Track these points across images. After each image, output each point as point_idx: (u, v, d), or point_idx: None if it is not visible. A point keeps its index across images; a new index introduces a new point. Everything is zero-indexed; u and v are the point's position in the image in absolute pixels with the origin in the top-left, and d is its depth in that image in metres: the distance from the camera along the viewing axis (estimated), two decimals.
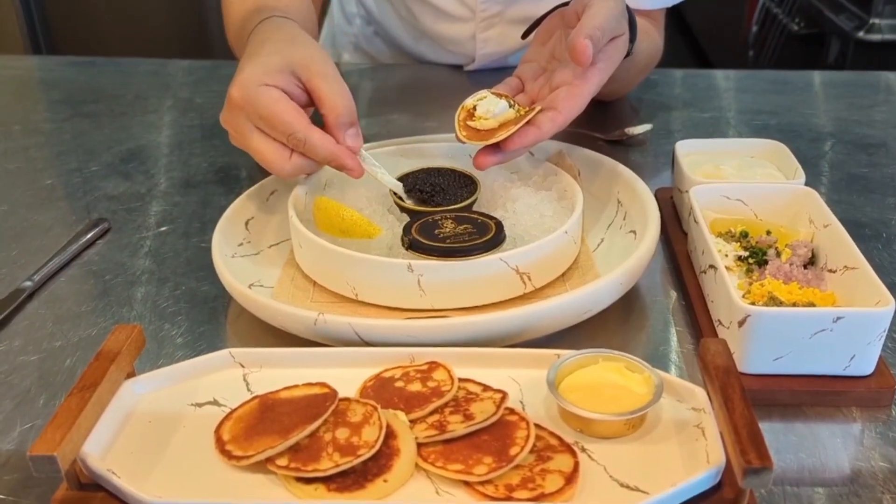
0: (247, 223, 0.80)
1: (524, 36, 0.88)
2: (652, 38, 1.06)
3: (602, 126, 1.07)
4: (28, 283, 0.77)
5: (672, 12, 1.13)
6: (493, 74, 1.25)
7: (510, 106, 0.75)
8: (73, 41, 2.49)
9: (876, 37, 2.38)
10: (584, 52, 0.70)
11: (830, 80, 1.32)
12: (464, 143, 0.74)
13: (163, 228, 0.88)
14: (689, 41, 3.87)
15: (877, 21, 2.37)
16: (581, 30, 0.71)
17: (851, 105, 1.19)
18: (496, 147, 0.73)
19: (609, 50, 0.75)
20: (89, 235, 0.85)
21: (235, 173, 1.00)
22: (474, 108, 0.76)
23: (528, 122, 0.73)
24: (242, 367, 0.62)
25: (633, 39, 0.83)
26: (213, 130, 1.12)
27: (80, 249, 0.83)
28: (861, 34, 2.39)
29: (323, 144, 0.71)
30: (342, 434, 0.54)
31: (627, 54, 0.81)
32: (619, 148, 1.04)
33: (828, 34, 2.55)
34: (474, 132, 0.74)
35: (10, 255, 0.83)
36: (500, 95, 0.77)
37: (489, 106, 0.74)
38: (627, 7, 0.82)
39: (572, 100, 0.73)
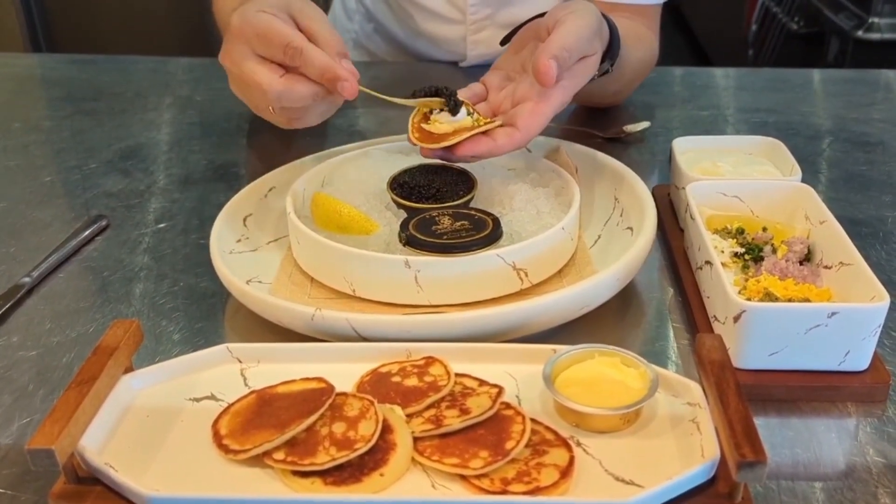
0: (245, 220, 0.81)
1: (503, 43, 0.87)
2: (646, 44, 1.05)
3: (600, 123, 1.08)
4: (26, 280, 0.77)
5: (671, 11, 1.13)
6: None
7: (468, 114, 0.74)
8: (74, 39, 2.49)
9: (875, 36, 2.38)
10: (547, 73, 0.69)
11: (829, 78, 1.32)
12: (414, 144, 0.74)
13: (161, 225, 0.88)
14: (688, 40, 3.87)
15: (876, 20, 2.38)
16: (547, 49, 0.70)
17: (850, 103, 1.19)
18: (446, 150, 0.72)
19: (576, 69, 0.74)
20: (88, 232, 0.85)
21: (234, 170, 1.00)
22: (430, 111, 0.75)
23: (483, 133, 0.72)
24: (240, 362, 0.62)
25: (613, 57, 0.82)
26: (213, 128, 1.12)
27: (78, 246, 0.84)
28: (860, 33, 2.39)
29: (318, 55, 0.70)
30: (339, 428, 0.54)
31: (606, 72, 0.80)
32: (617, 145, 1.04)
33: (827, 33, 2.56)
34: (427, 135, 0.73)
35: (8, 252, 0.83)
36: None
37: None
38: (611, 25, 0.81)
39: (532, 118, 0.72)
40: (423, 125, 0.74)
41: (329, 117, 0.78)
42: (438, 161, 0.80)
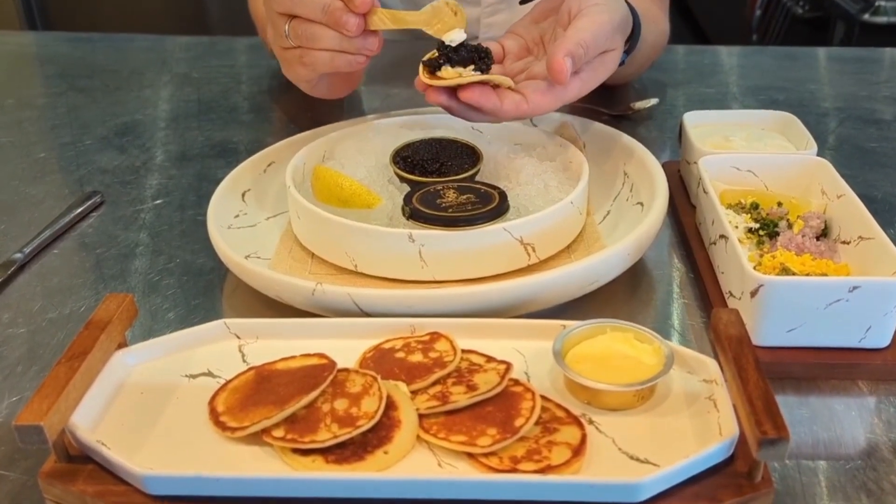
0: (243, 195, 0.78)
1: (523, 2, 0.84)
2: (658, 25, 1.02)
3: (607, 100, 1.05)
4: (18, 256, 0.75)
5: None
6: None
7: (479, 70, 0.70)
8: (69, 18, 2.46)
9: (881, 19, 2.35)
10: (561, 71, 0.66)
11: (835, 57, 1.29)
12: (423, 86, 0.70)
13: (158, 201, 0.86)
14: (690, 24, 3.83)
15: (882, 3, 2.35)
16: (563, 45, 0.67)
17: (859, 81, 1.17)
18: (451, 96, 0.69)
19: (596, 63, 0.71)
20: (82, 208, 0.83)
21: (233, 147, 0.98)
22: (440, 62, 0.70)
23: (493, 87, 0.68)
24: (238, 337, 0.60)
25: (630, 50, 0.79)
26: (211, 105, 1.10)
27: (72, 222, 0.81)
28: (866, 16, 2.36)
29: None
30: (341, 405, 0.52)
31: (622, 63, 0.78)
32: (625, 122, 1.02)
33: (833, 17, 2.52)
34: (437, 80, 0.69)
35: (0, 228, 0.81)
36: None
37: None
38: (635, 16, 0.77)
39: (543, 97, 0.68)
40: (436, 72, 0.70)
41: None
42: (443, 134, 0.78)
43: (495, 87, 0.69)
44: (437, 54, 0.70)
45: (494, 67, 0.75)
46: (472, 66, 0.68)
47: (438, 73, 0.69)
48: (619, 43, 0.74)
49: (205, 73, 1.21)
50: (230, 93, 1.13)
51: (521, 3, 0.84)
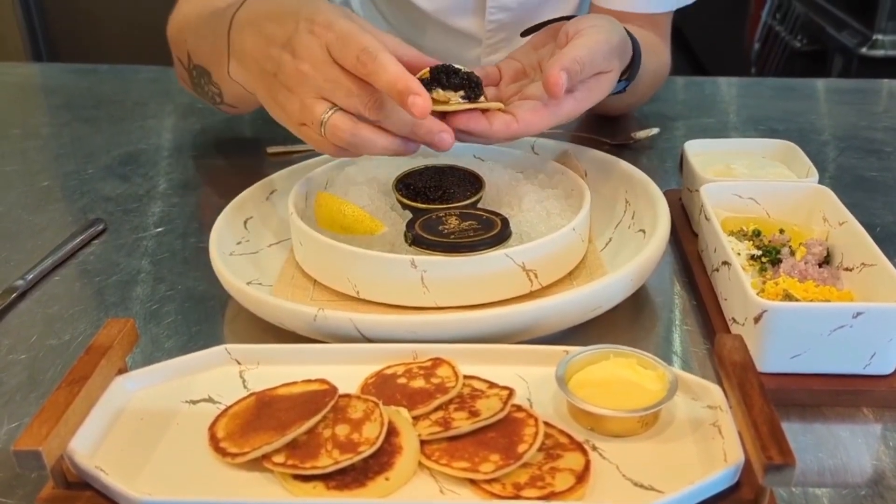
0: (245, 222, 0.78)
1: (524, 34, 0.85)
2: (660, 56, 1.03)
3: (608, 130, 1.06)
4: (20, 283, 0.75)
5: (672, 29, 1.11)
6: None
7: (468, 98, 0.69)
8: (75, 49, 2.48)
9: (879, 52, 2.36)
10: (556, 84, 0.66)
11: (834, 88, 1.30)
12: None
13: (160, 229, 0.86)
14: (689, 58, 3.87)
15: (880, 37, 2.37)
16: (559, 60, 0.67)
17: (858, 111, 1.17)
18: (442, 115, 0.68)
19: (591, 84, 0.71)
20: (84, 235, 0.83)
21: (235, 175, 0.98)
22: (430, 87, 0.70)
23: (482, 112, 0.68)
24: (239, 363, 0.60)
25: (631, 78, 0.80)
26: (214, 134, 1.10)
27: (74, 249, 0.81)
28: (864, 50, 2.37)
29: (392, 63, 0.62)
30: (342, 431, 0.51)
31: (621, 91, 0.78)
32: (626, 152, 1.02)
33: (830, 51, 2.55)
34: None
35: (1, 255, 0.81)
36: None
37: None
38: (635, 45, 0.78)
39: (534, 115, 0.69)
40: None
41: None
42: (445, 162, 0.79)
43: (485, 110, 0.69)
44: (428, 75, 0.69)
45: (490, 90, 0.75)
46: (461, 93, 0.68)
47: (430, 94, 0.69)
48: (615, 66, 0.74)
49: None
50: (233, 122, 1.14)
51: (522, 35, 0.85)
